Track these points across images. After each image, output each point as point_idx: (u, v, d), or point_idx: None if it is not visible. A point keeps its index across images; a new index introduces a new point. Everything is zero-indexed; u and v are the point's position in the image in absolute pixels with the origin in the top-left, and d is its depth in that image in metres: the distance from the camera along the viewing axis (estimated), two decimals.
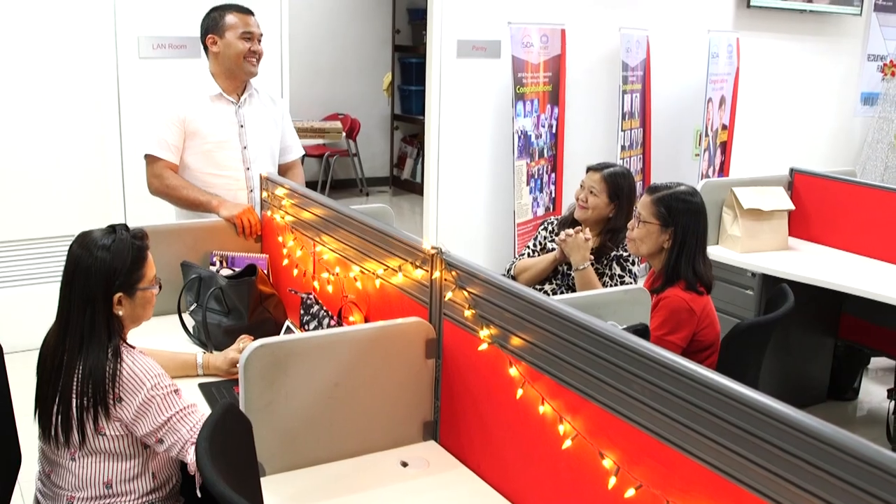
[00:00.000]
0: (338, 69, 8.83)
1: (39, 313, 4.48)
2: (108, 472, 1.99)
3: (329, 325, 2.50)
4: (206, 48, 3.24)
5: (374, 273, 2.38)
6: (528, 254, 3.38)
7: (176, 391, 1.99)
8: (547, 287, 3.25)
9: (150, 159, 3.17)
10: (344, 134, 8.22)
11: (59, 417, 1.94)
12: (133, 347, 2.04)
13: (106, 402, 1.92)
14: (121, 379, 1.93)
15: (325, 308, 2.58)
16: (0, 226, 4.44)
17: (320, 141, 8.02)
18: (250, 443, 1.77)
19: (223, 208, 3.11)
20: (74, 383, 1.92)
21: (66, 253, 2.01)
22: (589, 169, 3.27)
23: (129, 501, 2.02)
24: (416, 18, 8.65)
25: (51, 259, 4.52)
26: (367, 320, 2.44)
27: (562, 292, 3.21)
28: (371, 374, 2.05)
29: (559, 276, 3.24)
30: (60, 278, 2.01)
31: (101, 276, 1.96)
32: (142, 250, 2.04)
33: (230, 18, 3.19)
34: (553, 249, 3.25)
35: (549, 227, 3.39)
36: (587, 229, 3.07)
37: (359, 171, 8.82)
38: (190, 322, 2.78)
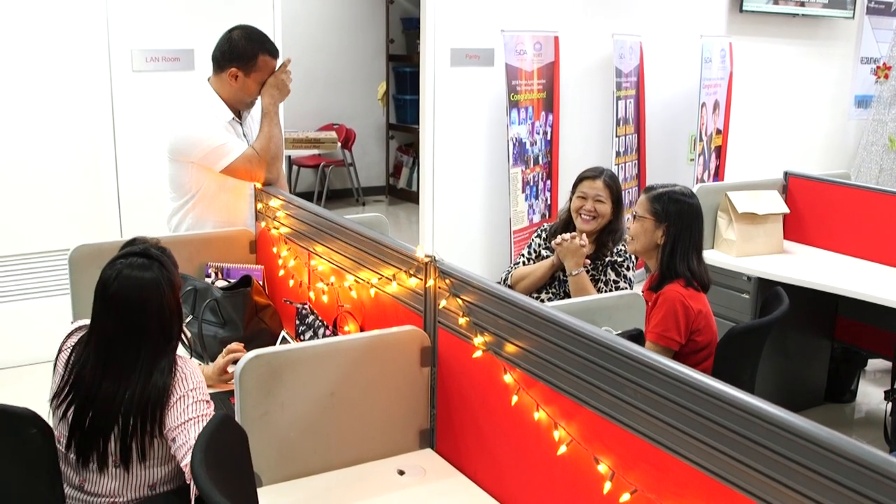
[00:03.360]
0: (332, 79, 8.85)
1: (34, 328, 4.50)
2: (152, 477, 2.01)
3: (324, 335, 2.50)
4: (219, 69, 3.06)
5: (368, 282, 2.38)
6: (523, 262, 3.37)
7: (207, 402, 2.00)
8: (543, 295, 3.24)
9: (237, 161, 3.00)
10: (339, 144, 8.24)
11: (110, 443, 1.96)
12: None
13: (159, 415, 1.95)
14: (174, 377, 1.98)
15: (320, 318, 2.58)
16: None
17: (316, 151, 8.03)
18: (246, 453, 1.76)
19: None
20: (129, 407, 1.95)
21: (105, 288, 1.99)
22: (584, 178, 3.24)
23: (170, 491, 2.04)
24: (410, 27, 8.67)
25: (45, 273, 4.51)
26: (362, 329, 2.45)
27: (559, 299, 3.20)
28: (366, 383, 2.05)
29: (556, 283, 3.23)
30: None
31: (152, 312, 1.98)
32: (176, 276, 2.09)
33: (263, 62, 3.03)
34: (547, 257, 3.25)
35: (543, 235, 3.38)
36: (583, 235, 3.08)
37: (354, 180, 8.82)
38: (186, 334, 2.78)
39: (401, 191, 9.09)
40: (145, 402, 1.94)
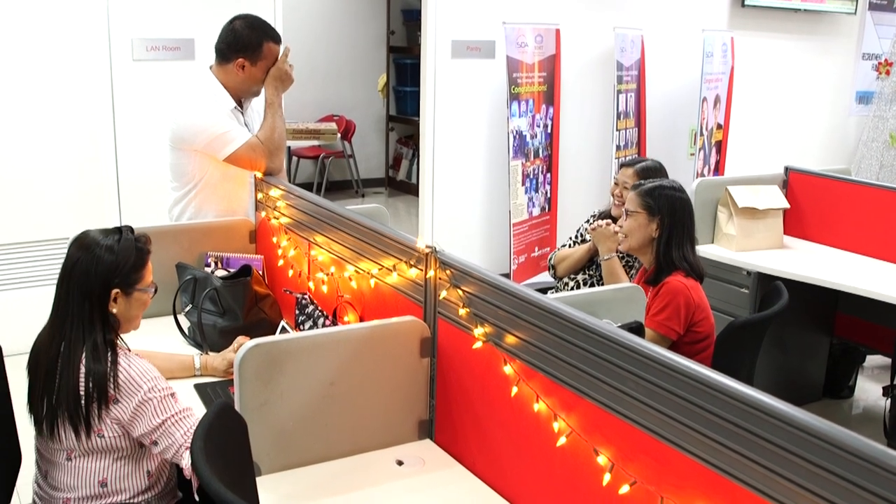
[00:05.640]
0: (332, 70, 8.83)
1: (35, 316, 4.48)
2: (103, 471, 1.99)
3: (324, 325, 2.50)
4: (223, 59, 3.05)
5: (368, 273, 2.38)
6: (569, 244, 3.56)
7: (172, 395, 1.99)
8: (581, 276, 3.41)
9: (241, 149, 3.00)
10: (339, 135, 8.22)
11: (57, 416, 1.94)
12: (129, 350, 2.04)
13: (102, 403, 1.92)
14: (117, 381, 1.93)
15: (319, 308, 2.58)
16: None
17: (315, 142, 8.01)
18: (245, 442, 1.76)
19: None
20: (72, 383, 1.92)
21: (66, 251, 2.01)
22: (622, 165, 3.43)
23: (125, 499, 2.01)
24: (411, 19, 8.65)
25: (46, 262, 4.51)
26: (362, 320, 2.44)
27: (595, 282, 3.36)
28: (366, 374, 2.04)
29: (593, 266, 3.39)
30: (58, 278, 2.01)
31: (102, 274, 1.97)
32: (144, 253, 2.06)
33: (268, 49, 3.04)
34: (590, 240, 3.40)
35: (590, 220, 3.55)
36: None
37: (354, 172, 8.81)
38: (185, 323, 2.78)
39: (400, 183, 9.08)
40: (92, 380, 1.92)
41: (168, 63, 4.69)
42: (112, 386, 1.92)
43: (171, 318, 2.75)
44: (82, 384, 1.92)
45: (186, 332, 2.73)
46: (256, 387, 1.91)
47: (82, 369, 1.92)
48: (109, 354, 1.95)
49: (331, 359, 2.00)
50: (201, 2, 4.68)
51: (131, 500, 2.02)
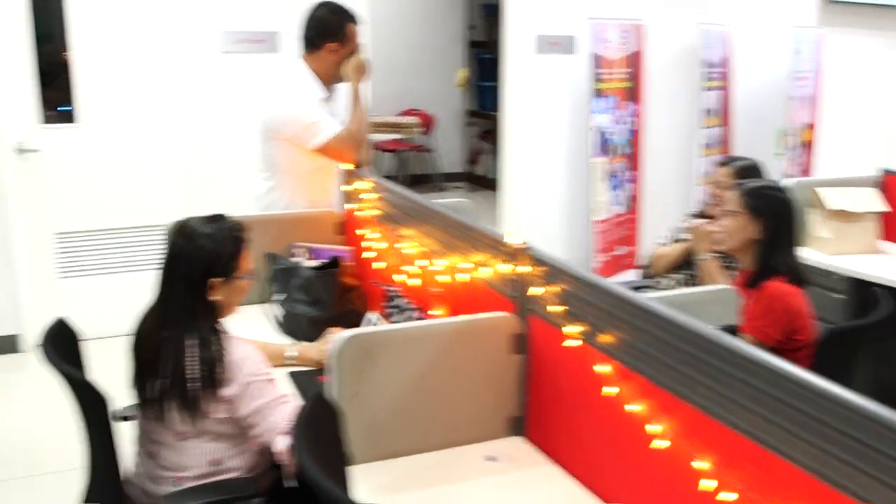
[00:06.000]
0: (411, 65, 8.87)
1: (124, 301, 4.61)
2: (214, 451, 2.05)
3: (414, 318, 2.51)
4: (313, 47, 3.17)
5: (458, 267, 2.38)
6: (664, 244, 3.55)
7: (271, 380, 2.03)
8: (678, 275, 3.36)
9: (331, 140, 3.08)
10: (420, 129, 8.27)
11: (166, 400, 1.99)
12: (229, 334, 2.09)
13: (211, 387, 1.97)
14: (224, 365, 1.99)
15: (409, 301, 2.59)
16: (94, 215, 4.60)
17: (396, 136, 8.07)
18: (340, 432, 1.78)
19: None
20: (180, 368, 1.97)
21: (167, 239, 2.06)
22: (719, 164, 3.40)
23: (234, 476, 2.07)
24: (491, 14, 8.63)
25: (134, 248, 4.65)
26: (451, 314, 2.45)
27: (692, 282, 3.30)
28: (457, 368, 2.05)
29: (692, 266, 3.32)
30: (160, 264, 2.06)
31: (203, 261, 2.03)
32: (242, 241, 2.10)
33: (350, 30, 3.18)
34: (685, 239, 3.36)
35: (685, 220, 3.51)
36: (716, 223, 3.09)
37: (434, 166, 8.85)
38: (274, 312, 2.82)
39: (479, 178, 9.08)
40: (202, 364, 1.98)
41: (253, 56, 4.78)
42: (220, 370, 1.97)
43: (260, 306, 2.80)
44: (191, 369, 1.97)
45: (279, 320, 2.77)
46: (351, 377, 1.93)
47: (190, 354, 1.97)
48: (215, 340, 2.00)
49: (423, 352, 2.01)
50: None
51: (240, 477, 2.07)
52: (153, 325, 2.06)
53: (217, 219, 2.10)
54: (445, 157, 9.15)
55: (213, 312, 2.06)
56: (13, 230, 4.46)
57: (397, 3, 8.69)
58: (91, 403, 2.01)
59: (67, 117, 4.51)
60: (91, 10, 4.43)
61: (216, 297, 2.06)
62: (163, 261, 2.06)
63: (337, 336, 1.94)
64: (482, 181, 9.00)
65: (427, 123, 8.62)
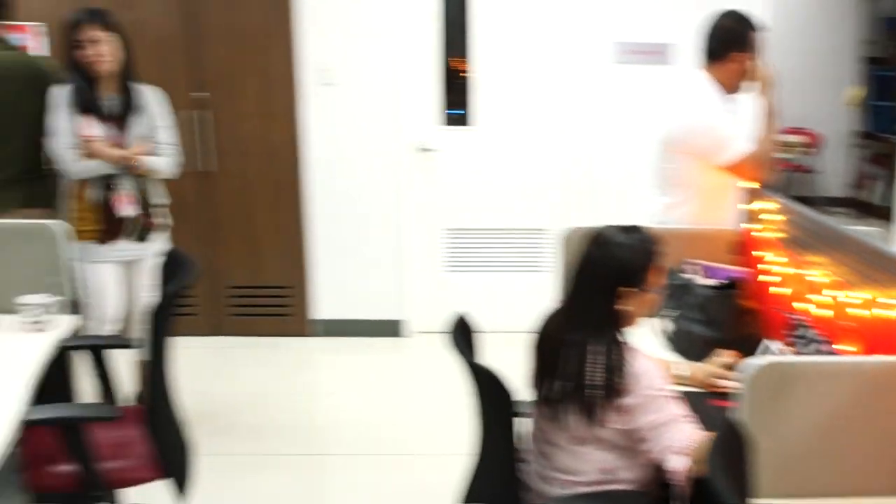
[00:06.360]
0: (796, 80, 8.35)
1: (509, 299, 4.86)
2: (606, 461, 2.07)
3: (822, 352, 2.34)
4: (717, 58, 3.14)
5: (877, 302, 2.17)
6: None
7: (670, 397, 2.00)
8: None
9: (740, 157, 3.07)
10: (807, 149, 7.78)
11: (564, 402, 2.05)
12: (632, 346, 2.09)
13: (611, 396, 1.99)
14: (627, 375, 1.99)
15: (818, 332, 2.42)
16: (482, 215, 4.89)
17: (785, 155, 7.66)
18: (747, 462, 1.70)
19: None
20: (583, 372, 2.01)
21: (585, 247, 2.12)
22: None
23: (626, 488, 2.08)
24: (892, 28, 7.87)
25: (523, 249, 4.87)
26: (866, 352, 2.24)
27: None
28: (880, 411, 1.87)
29: None
30: (573, 269, 2.12)
31: (613, 270, 2.05)
32: (655, 254, 2.10)
33: (751, 38, 3.13)
34: None
35: None
36: None
37: (817, 189, 8.28)
38: (664, 327, 2.78)
39: (866, 205, 8.32)
40: (607, 370, 1.98)
41: (645, 67, 4.79)
42: (619, 379, 1.98)
43: (647, 320, 2.77)
44: (591, 375, 2.00)
45: (670, 336, 2.73)
46: (763, 405, 1.84)
47: (592, 360, 2.00)
48: (618, 349, 2.01)
49: (841, 389, 1.86)
50: (682, 6, 4.69)
51: (631, 490, 2.08)
52: (558, 327, 2.12)
53: (633, 229, 2.11)
54: (829, 180, 8.51)
55: (619, 321, 2.07)
56: (408, 223, 4.88)
57: (782, 13, 8.24)
58: (495, 396, 2.11)
59: (459, 120, 4.84)
60: (492, 21, 4.72)
61: (624, 306, 2.06)
62: (577, 266, 2.11)
63: (751, 362, 1.85)
64: (870, 208, 8.23)
65: (814, 143, 8.08)
